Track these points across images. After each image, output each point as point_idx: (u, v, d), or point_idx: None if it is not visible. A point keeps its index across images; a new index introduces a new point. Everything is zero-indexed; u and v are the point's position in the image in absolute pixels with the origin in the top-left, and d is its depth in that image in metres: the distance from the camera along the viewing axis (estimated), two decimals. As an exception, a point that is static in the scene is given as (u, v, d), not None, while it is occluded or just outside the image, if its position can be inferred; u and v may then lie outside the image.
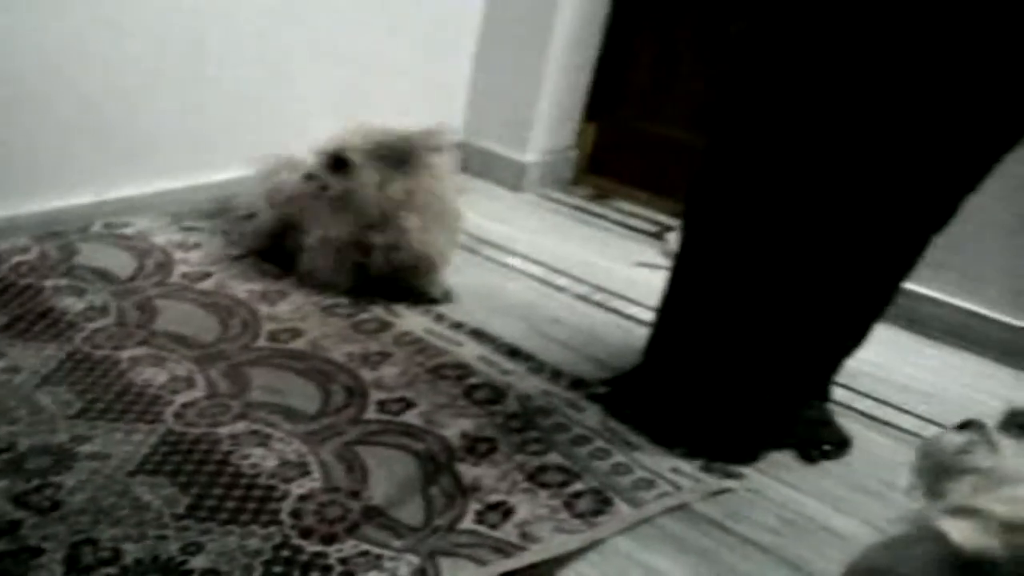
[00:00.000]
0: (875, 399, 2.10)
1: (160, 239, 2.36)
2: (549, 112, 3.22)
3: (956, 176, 1.64)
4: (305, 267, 2.26)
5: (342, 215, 2.15)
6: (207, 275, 2.22)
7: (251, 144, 2.45)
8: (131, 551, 1.35)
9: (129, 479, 1.50)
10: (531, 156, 3.23)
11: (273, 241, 2.33)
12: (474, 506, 1.56)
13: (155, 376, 1.78)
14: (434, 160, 2.15)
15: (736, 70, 1.73)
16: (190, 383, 1.78)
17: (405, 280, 2.24)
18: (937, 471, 1.00)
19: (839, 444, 1.91)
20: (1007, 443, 0.99)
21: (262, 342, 1.97)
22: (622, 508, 1.62)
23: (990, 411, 2.00)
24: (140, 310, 2.01)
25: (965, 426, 1.03)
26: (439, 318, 2.20)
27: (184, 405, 1.71)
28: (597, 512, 1.60)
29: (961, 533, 0.87)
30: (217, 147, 2.56)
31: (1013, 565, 0.86)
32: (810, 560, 1.56)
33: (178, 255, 2.29)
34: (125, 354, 1.84)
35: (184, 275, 2.20)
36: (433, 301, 2.26)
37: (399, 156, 2.11)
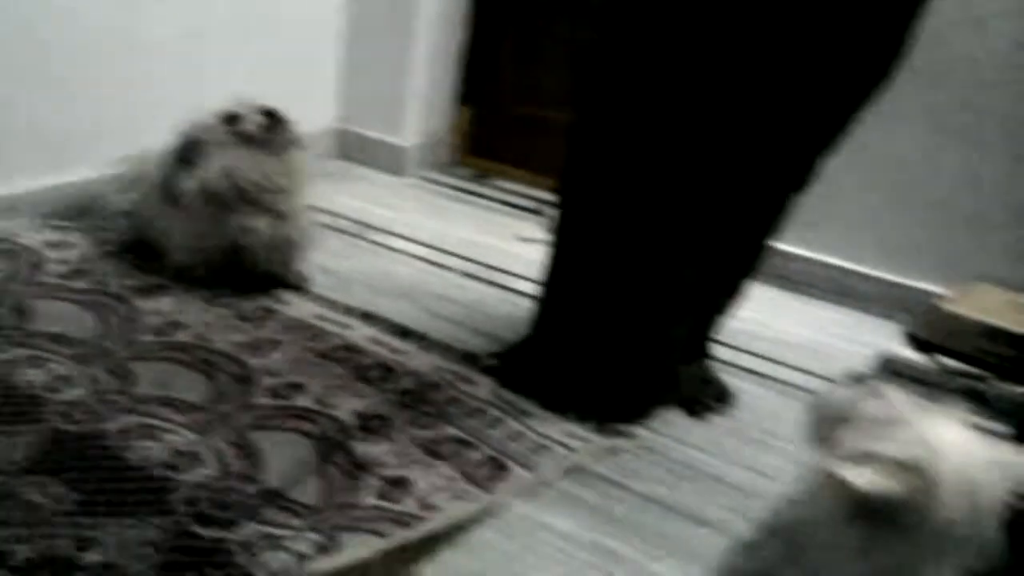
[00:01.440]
0: (754, 355, 2.19)
1: (29, 239, 2.29)
2: (422, 97, 3.24)
3: (811, 138, 1.74)
4: (172, 258, 2.21)
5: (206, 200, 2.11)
6: (81, 273, 2.17)
7: (116, 140, 2.40)
8: (21, 551, 1.32)
9: (15, 480, 1.46)
10: (409, 140, 3.25)
11: (142, 234, 2.28)
12: (372, 482, 1.58)
13: (36, 376, 1.74)
14: (296, 147, 2.16)
15: (597, 45, 1.78)
16: (73, 381, 1.74)
17: (269, 266, 2.21)
18: (829, 423, 1.05)
19: (722, 399, 2.00)
20: (892, 391, 1.05)
21: (144, 336, 1.94)
22: (519, 473, 1.66)
23: (862, 360, 2.13)
24: (15, 312, 1.95)
25: (850, 378, 1.09)
26: (327, 304, 2.19)
27: (68, 403, 1.67)
28: (495, 479, 1.64)
29: (861, 478, 0.91)
30: (80, 144, 2.49)
31: (912, 504, 0.91)
32: (702, 508, 1.63)
33: (50, 254, 2.23)
34: (2, 356, 1.79)
35: (58, 274, 2.14)
36: (291, 286, 2.24)
37: (266, 139, 2.10)
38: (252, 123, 2.08)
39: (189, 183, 2.09)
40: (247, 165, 2.08)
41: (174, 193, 2.12)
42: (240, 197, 2.09)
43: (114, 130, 2.51)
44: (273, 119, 2.09)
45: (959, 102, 2.29)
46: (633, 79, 1.70)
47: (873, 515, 0.92)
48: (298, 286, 2.25)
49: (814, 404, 1.09)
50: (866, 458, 0.94)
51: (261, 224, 2.12)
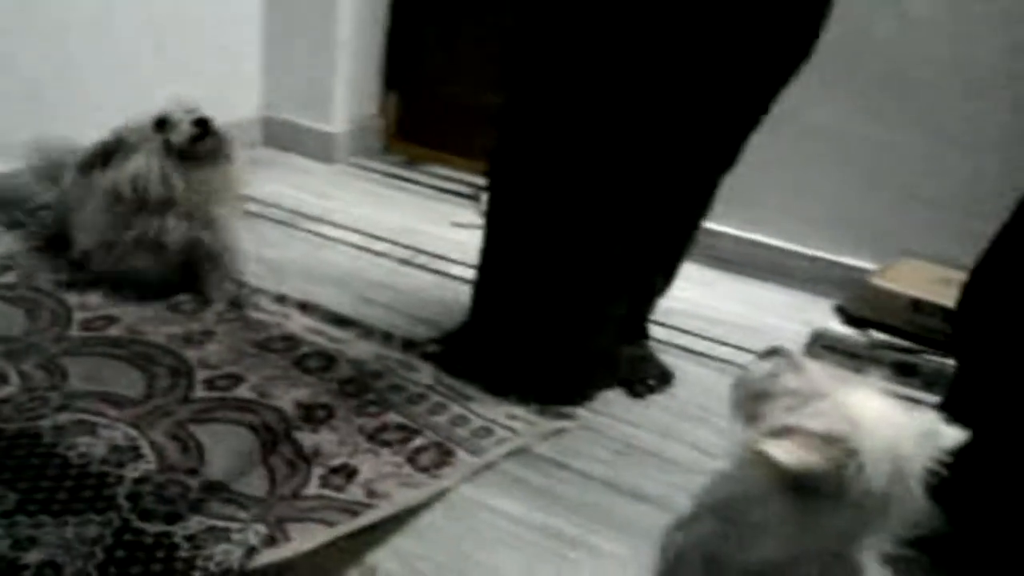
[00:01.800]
0: (691, 333, 2.23)
1: (-53, 235, 2.23)
2: (347, 82, 3.21)
3: (736, 117, 1.78)
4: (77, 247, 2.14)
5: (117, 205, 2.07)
6: (6, 268, 2.11)
7: (30, 131, 2.34)
8: (-42, 554, 1.30)
9: (-53, 482, 1.43)
10: (337, 126, 3.22)
11: (62, 228, 2.23)
12: (317, 471, 1.58)
13: (-38, 376, 1.69)
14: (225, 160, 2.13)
15: (523, 28, 1.79)
16: (3, 379, 1.70)
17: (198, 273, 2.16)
18: (751, 399, 1.07)
19: (662, 378, 2.03)
20: (810, 363, 1.07)
21: (75, 332, 1.90)
22: (464, 457, 1.67)
23: (795, 336, 2.18)
24: (-64, 310, 1.91)
25: (770, 353, 1.10)
26: (262, 293, 2.17)
27: (-1, 401, 1.64)
28: (440, 464, 1.64)
29: (784, 453, 0.93)
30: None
31: (836, 475, 0.93)
32: (644, 485, 1.66)
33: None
34: (-76, 356, 1.75)
35: (-20, 271, 2.09)
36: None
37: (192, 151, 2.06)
38: (182, 133, 2.03)
39: (100, 180, 2.04)
40: (161, 175, 2.03)
41: (89, 175, 2.08)
42: (142, 207, 2.04)
43: (33, 122, 2.44)
44: (204, 130, 2.05)
45: (884, 78, 2.35)
46: (560, 62, 1.71)
47: (800, 488, 0.93)
48: (213, 301, 2.15)
49: (737, 381, 1.11)
50: (788, 432, 0.95)
51: (172, 225, 2.07)
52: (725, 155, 1.85)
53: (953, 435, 0.95)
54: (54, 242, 2.23)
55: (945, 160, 2.32)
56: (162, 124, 2.04)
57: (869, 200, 2.43)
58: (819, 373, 1.03)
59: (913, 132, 2.34)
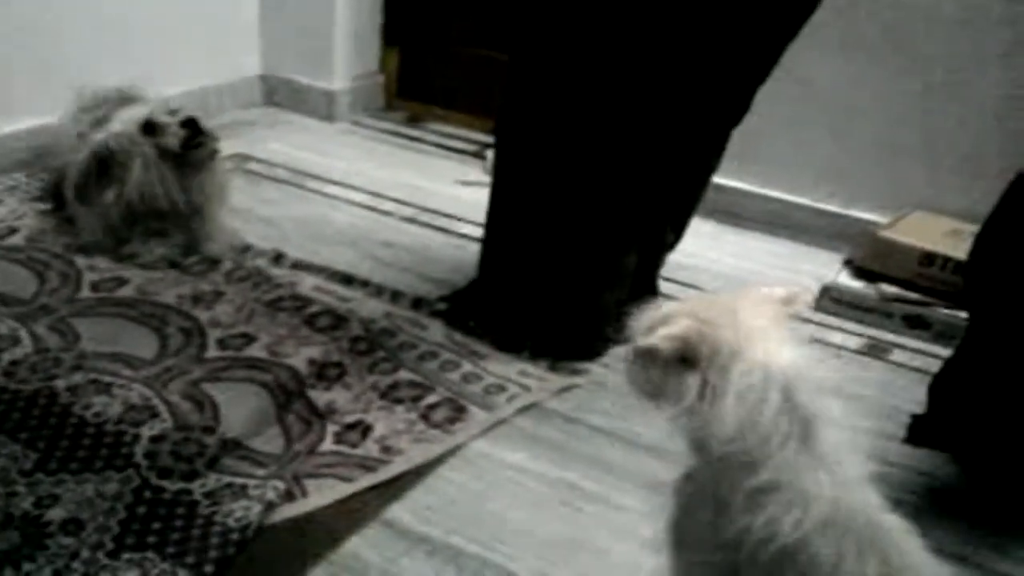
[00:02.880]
0: (700, 288, 2.25)
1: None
2: (347, 38, 3.21)
3: (743, 69, 1.79)
4: (83, 222, 2.15)
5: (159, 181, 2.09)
6: (13, 231, 2.14)
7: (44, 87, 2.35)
8: (-18, 512, 1.34)
9: (-33, 442, 1.47)
10: (337, 84, 3.23)
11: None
12: (332, 428, 1.62)
13: (-25, 337, 1.73)
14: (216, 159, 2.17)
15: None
16: (15, 340, 1.73)
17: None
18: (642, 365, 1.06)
19: (672, 333, 2.06)
20: None
21: (86, 293, 1.94)
22: (476, 413, 1.71)
23: (802, 287, 2.21)
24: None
25: None
26: (269, 253, 2.20)
27: (13, 363, 1.67)
28: (453, 420, 1.68)
29: (653, 339, 0.96)
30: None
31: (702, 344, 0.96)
32: (656, 439, 1.69)
33: (-23, 212, 2.20)
34: (-63, 319, 1.78)
35: (-12, 233, 2.12)
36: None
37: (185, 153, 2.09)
38: (172, 135, 2.05)
39: (105, 196, 2.07)
40: (163, 183, 2.07)
41: (88, 198, 2.09)
42: (153, 215, 2.10)
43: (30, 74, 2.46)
44: (193, 130, 2.07)
45: (889, 30, 2.36)
46: (568, 14, 1.73)
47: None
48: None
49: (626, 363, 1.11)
50: (651, 328, 0.99)
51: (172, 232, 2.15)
52: (734, 107, 1.87)
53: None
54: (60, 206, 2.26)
55: (954, 112, 2.33)
56: (151, 128, 2.06)
57: (878, 153, 2.45)
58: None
59: (920, 84, 2.35)
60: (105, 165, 2.05)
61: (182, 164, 2.08)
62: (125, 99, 2.20)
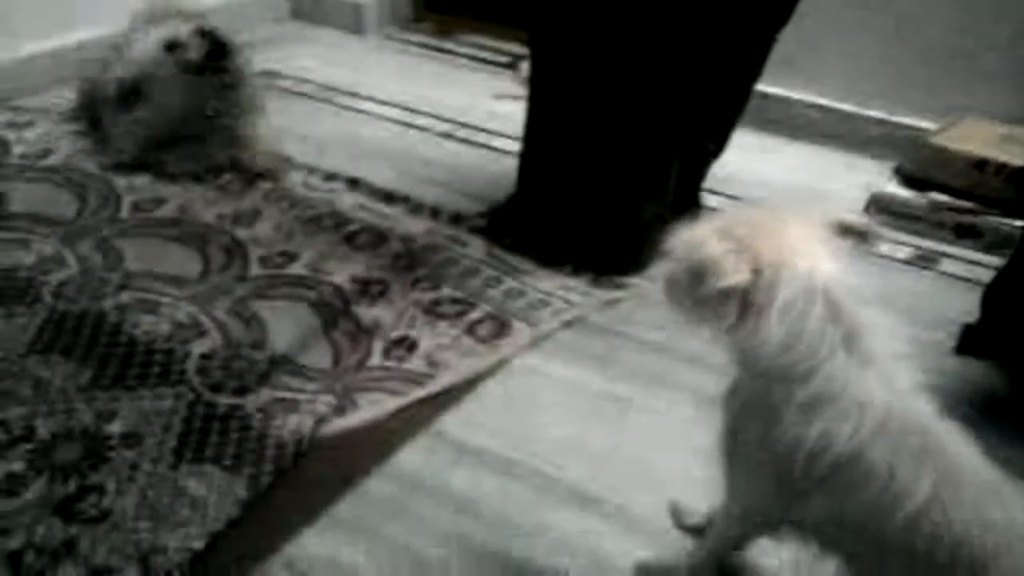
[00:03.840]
0: (745, 200, 2.28)
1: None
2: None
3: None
4: (117, 141, 2.22)
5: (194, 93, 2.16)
6: (48, 152, 2.20)
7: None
8: (44, 426, 1.41)
9: (22, 360, 1.54)
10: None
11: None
12: (378, 344, 1.68)
13: (22, 258, 1.80)
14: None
15: None
16: (61, 261, 1.80)
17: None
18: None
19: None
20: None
21: (126, 213, 2.00)
22: (521, 328, 1.76)
23: (854, 200, 2.23)
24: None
25: None
26: (305, 170, 2.25)
27: (60, 284, 1.74)
28: (498, 335, 1.74)
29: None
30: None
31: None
32: (701, 352, 1.73)
33: (11, 135, 2.26)
34: (-18, 241, 1.85)
35: (23, 155, 2.18)
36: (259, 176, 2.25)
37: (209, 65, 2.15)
38: (194, 50, 2.11)
39: (135, 113, 2.15)
40: (189, 96, 2.14)
41: (119, 116, 2.17)
42: (187, 131, 2.17)
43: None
44: (213, 43, 2.12)
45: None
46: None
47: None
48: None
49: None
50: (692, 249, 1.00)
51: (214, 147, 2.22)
52: (778, 11, 1.87)
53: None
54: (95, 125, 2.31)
55: (1007, 15, 2.32)
56: (171, 46, 2.12)
57: (928, 58, 2.44)
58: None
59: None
60: (132, 85, 2.12)
61: (208, 78, 2.14)
62: (173, 14, 2.26)
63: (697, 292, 0.99)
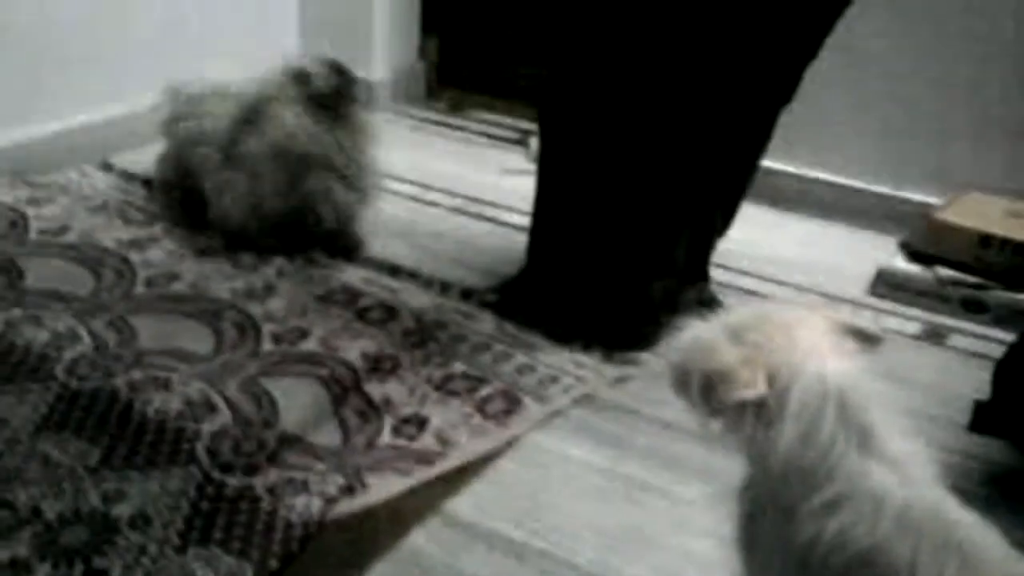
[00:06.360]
0: (752, 275, 2.25)
1: (4, 197, 2.30)
2: (386, 27, 3.22)
3: (790, 48, 1.78)
4: (217, 212, 2.15)
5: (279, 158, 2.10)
6: (66, 228, 2.18)
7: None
8: (51, 507, 1.36)
9: (33, 439, 1.50)
10: (379, 74, 3.24)
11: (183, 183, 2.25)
12: (389, 421, 1.63)
13: (36, 335, 1.76)
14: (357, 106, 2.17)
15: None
16: (75, 338, 1.77)
17: (333, 226, 2.19)
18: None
19: (724, 321, 2.05)
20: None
21: (140, 289, 1.97)
22: (532, 405, 1.71)
23: (860, 275, 2.19)
24: (5, 272, 1.97)
25: None
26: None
27: (73, 360, 1.70)
28: (509, 412, 1.69)
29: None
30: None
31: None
32: (716, 432, 1.69)
33: (30, 211, 2.24)
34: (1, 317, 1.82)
35: (42, 231, 2.16)
36: (348, 248, 2.22)
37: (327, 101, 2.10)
38: (322, 82, 2.08)
39: (253, 144, 2.07)
40: (314, 128, 2.08)
41: (238, 153, 2.09)
42: (304, 161, 2.09)
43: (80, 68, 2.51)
44: (342, 76, 2.10)
45: (945, 9, 2.33)
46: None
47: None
48: (354, 248, 2.22)
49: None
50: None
51: (334, 186, 2.12)
52: (782, 88, 1.86)
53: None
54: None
55: (1008, 90, 2.30)
56: (302, 78, 2.08)
57: (930, 133, 2.42)
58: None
59: (974, 63, 2.32)
60: (253, 114, 2.07)
61: (329, 111, 2.10)
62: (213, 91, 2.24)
63: (710, 398, 0.98)
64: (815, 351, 0.97)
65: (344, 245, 2.20)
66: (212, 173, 2.14)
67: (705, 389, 0.99)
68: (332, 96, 2.10)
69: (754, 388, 0.94)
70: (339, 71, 2.10)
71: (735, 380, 0.94)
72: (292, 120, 2.06)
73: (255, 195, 2.10)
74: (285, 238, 2.16)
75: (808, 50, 1.81)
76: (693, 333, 1.03)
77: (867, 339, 1.02)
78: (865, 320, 1.06)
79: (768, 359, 0.95)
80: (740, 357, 0.96)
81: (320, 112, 2.09)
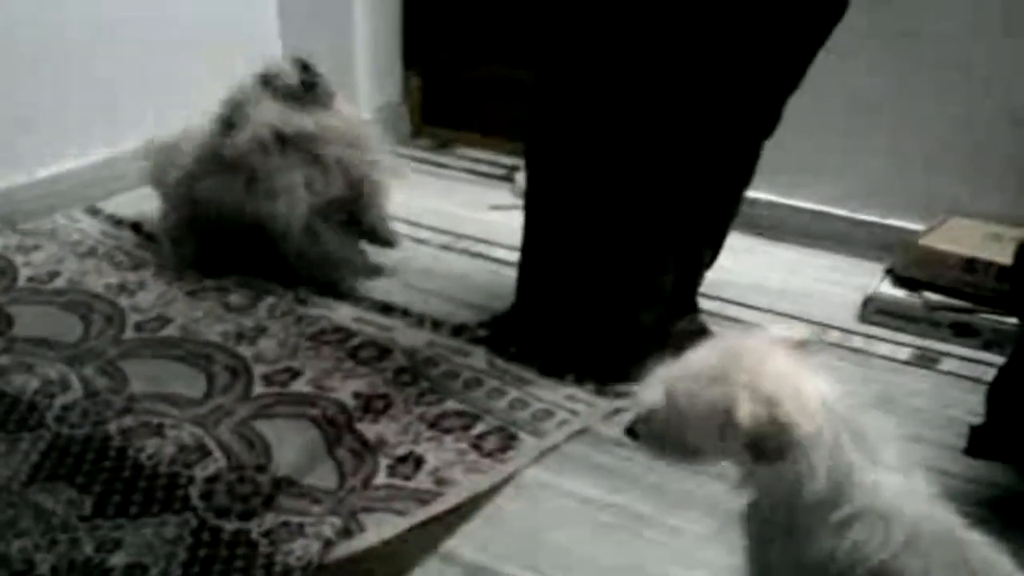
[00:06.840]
0: (741, 304, 2.24)
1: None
2: (368, 66, 3.22)
3: (771, 80, 1.79)
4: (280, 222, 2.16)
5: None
6: (55, 275, 2.16)
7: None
8: (45, 560, 1.34)
9: (24, 489, 1.47)
10: (362, 114, 3.24)
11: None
12: (384, 461, 1.61)
13: (27, 383, 1.74)
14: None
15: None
16: (65, 385, 1.75)
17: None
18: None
19: (715, 351, 2.04)
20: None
21: (130, 334, 1.95)
22: (527, 441, 1.70)
23: (848, 302, 2.19)
24: (-6, 320, 1.96)
25: None
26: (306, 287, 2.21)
27: (64, 408, 1.68)
28: (504, 448, 1.67)
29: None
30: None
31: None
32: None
33: (19, 259, 2.22)
34: (-13, 367, 1.80)
35: (31, 278, 2.14)
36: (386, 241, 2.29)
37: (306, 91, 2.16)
38: (289, 77, 2.12)
39: (235, 138, 2.10)
40: (290, 116, 2.12)
41: (224, 155, 2.12)
42: (287, 146, 2.13)
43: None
44: (307, 71, 2.14)
45: (923, 39, 2.34)
46: (594, 31, 1.73)
47: None
48: (387, 241, 2.29)
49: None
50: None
51: (343, 155, 2.18)
52: (764, 119, 1.87)
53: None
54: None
55: (988, 115, 2.31)
56: (268, 79, 2.13)
57: (913, 160, 2.43)
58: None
59: (953, 89, 2.34)
60: (230, 118, 2.11)
61: (302, 102, 2.15)
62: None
63: (707, 438, 1.00)
64: (801, 377, 0.97)
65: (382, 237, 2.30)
66: (246, 193, 2.15)
67: (701, 429, 0.99)
68: (301, 88, 2.14)
69: (760, 421, 0.93)
70: (304, 66, 2.14)
71: (741, 417, 0.94)
72: (262, 116, 2.11)
73: (303, 185, 2.15)
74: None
75: (788, 83, 1.82)
76: (668, 386, 1.05)
77: (804, 345, 1.03)
78: (797, 331, 1.05)
79: (765, 392, 0.95)
80: (737, 395, 0.95)
81: (294, 104, 2.14)
